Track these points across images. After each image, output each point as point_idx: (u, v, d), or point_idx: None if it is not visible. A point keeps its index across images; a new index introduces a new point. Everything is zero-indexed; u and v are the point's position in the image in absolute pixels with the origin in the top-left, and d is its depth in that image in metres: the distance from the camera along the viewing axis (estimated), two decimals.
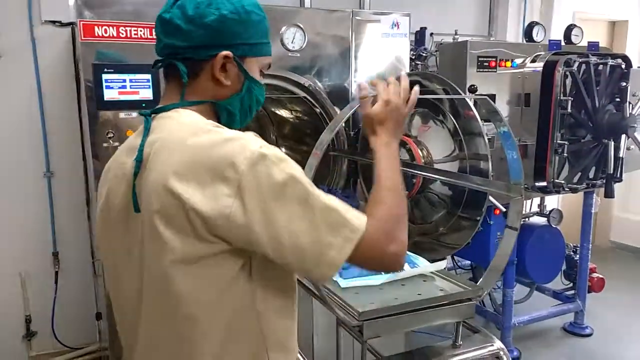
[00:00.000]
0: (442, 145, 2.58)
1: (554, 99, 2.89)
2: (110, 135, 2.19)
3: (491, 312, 3.50)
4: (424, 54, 3.58)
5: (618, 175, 3.04)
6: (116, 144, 2.19)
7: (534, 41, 3.32)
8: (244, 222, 0.86)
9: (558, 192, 3.10)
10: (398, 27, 2.75)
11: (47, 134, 2.89)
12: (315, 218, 0.89)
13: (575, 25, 3.46)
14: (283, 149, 3.22)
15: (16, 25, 2.76)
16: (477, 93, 2.58)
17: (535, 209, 3.73)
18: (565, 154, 2.92)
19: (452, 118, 2.50)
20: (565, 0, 4.46)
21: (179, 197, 0.86)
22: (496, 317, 3.40)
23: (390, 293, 1.54)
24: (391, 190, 1.03)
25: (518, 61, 3.09)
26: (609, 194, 3.02)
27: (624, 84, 3.02)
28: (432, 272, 1.70)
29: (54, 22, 2.82)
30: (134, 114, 2.21)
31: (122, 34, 2.16)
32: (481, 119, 2.31)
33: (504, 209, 2.72)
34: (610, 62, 3.01)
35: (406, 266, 1.65)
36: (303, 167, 0.97)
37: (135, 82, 2.20)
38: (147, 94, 2.23)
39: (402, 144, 2.56)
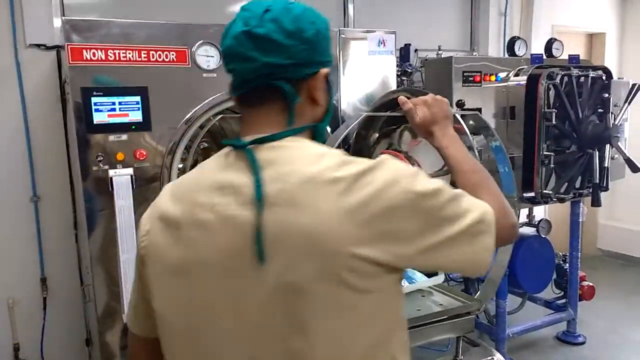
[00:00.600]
0: (432, 160, 2.59)
1: (539, 112, 2.95)
2: (100, 158, 2.17)
3: (485, 324, 3.50)
4: (409, 70, 3.63)
5: (604, 184, 3.10)
6: (106, 166, 2.17)
7: (516, 55, 3.39)
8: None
9: (546, 203, 3.14)
10: (384, 45, 2.77)
11: (32, 158, 2.85)
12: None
13: (555, 39, 3.54)
14: None
15: (0, 48, 2.73)
16: (464, 107, 2.61)
17: (523, 219, 3.77)
18: (551, 165, 2.97)
19: None
20: (544, 15, 4.57)
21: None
22: (490, 329, 3.40)
23: None
24: (476, 172, 1.06)
25: (502, 75, 3.15)
26: (596, 202, 3.07)
27: (607, 95, 3.09)
28: (429, 287, 1.71)
29: (38, 45, 2.80)
30: (124, 136, 2.20)
31: (111, 56, 2.15)
32: (470, 133, 2.34)
33: None
34: (592, 74, 3.08)
35: (404, 282, 1.65)
36: None
37: (125, 104, 2.19)
38: (136, 116, 2.22)
39: None
